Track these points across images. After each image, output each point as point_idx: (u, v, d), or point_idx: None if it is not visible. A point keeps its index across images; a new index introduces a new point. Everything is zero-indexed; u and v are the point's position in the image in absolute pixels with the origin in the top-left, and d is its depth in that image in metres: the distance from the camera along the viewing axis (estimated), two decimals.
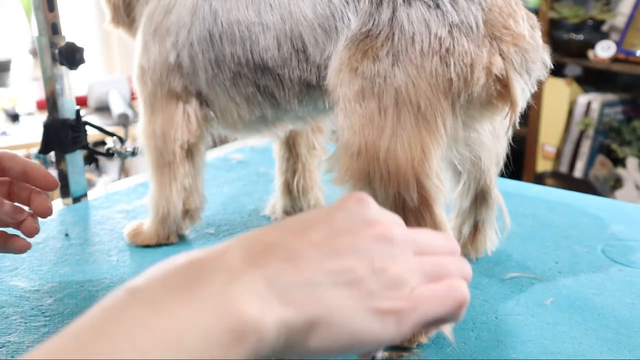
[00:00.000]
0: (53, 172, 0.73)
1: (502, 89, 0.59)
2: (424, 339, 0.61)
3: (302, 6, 0.64)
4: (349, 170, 0.59)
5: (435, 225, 0.58)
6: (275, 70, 0.68)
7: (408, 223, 0.58)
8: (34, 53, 2.62)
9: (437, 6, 0.57)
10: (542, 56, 0.62)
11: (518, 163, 2.60)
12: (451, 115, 0.58)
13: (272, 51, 0.67)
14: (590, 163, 2.42)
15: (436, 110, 0.57)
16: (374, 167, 0.58)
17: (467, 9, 0.57)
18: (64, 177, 0.99)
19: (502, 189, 0.78)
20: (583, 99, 2.40)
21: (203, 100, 0.78)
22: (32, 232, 0.62)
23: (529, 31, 0.59)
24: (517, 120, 0.62)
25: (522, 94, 0.60)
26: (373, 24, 0.59)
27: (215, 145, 1.26)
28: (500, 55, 0.57)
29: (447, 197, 0.61)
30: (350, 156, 0.59)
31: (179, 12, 0.73)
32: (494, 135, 0.69)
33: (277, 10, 0.66)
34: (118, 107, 2.13)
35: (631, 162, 2.27)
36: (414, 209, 0.58)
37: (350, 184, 0.60)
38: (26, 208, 0.63)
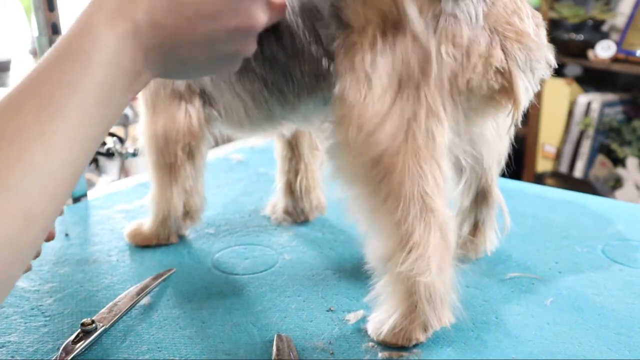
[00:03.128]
0: None
1: (504, 83, 0.59)
2: (423, 339, 0.61)
3: None
4: (350, 150, 0.59)
5: (439, 221, 0.58)
6: (286, 63, 0.68)
7: (411, 218, 0.58)
8: (34, 53, 2.62)
9: None
10: (547, 55, 0.61)
11: (518, 163, 2.60)
12: (450, 102, 0.58)
13: (283, 42, 0.66)
14: (590, 163, 2.42)
15: (434, 93, 0.57)
16: (375, 153, 0.57)
17: (468, 1, 0.57)
18: None
19: (502, 189, 0.78)
20: (583, 99, 2.40)
21: (207, 99, 0.78)
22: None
23: (534, 29, 0.59)
24: (520, 119, 0.62)
25: (525, 92, 0.60)
26: None
27: (215, 145, 1.26)
28: (503, 51, 0.57)
29: (449, 196, 0.61)
30: (349, 133, 0.58)
31: None
32: (497, 134, 0.69)
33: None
34: None
35: (631, 162, 2.27)
36: (413, 201, 0.57)
37: (347, 172, 0.60)
38: None
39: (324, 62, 0.64)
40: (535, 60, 0.60)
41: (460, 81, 0.57)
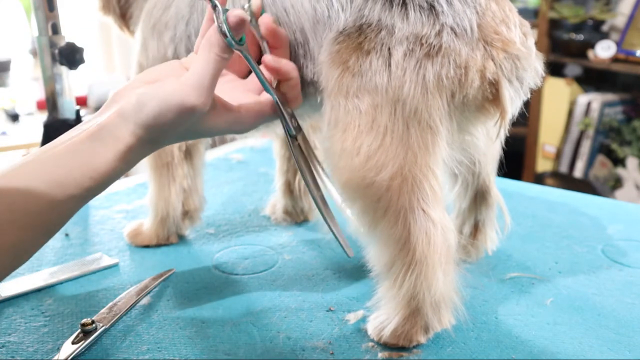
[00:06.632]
0: None
1: (496, 93, 0.58)
2: (423, 340, 0.61)
3: (303, 0, 0.64)
4: (346, 171, 0.59)
5: (439, 229, 0.58)
6: None
7: (406, 226, 0.58)
8: (34, 53, 2.62)
9: (432, 7, 0.56)
10: (534, 64, 0.61)
11: (518, 163, 2.60)
12: (446, 116, 0.58)
13: None
14: (590, 163, 2.42)
15: (431, 110, 0.56)
16: (371, 168, 0.57)
17: (462, 12, 0.56)
18: None
19: (502, 189, 0.78)
20: (583, 99, 2.40)
21: None
22: None
23: (521, 38, 0.59)
24: (507, 127, 0.62)
25: (511, 101, 0.59)
26: (365, 21, 0.58)
27: (215, 145, 1.26)
28: (492, 59, 0.57)
29: (446, 199, 0.60)
30: (345, 156, 0.58)
31: (178, 6, 0.73)
32: (488, 138, 0.68)
33: (280, 3, 0.65)
34: None
35: (631, 162, 2.27)
36: (413, 212, 0.57)
37: (347, 190, 0.60)
38: None
39: (311, 69, 0.64)
40: (522, 69, 0.59)
41: (458, 98, 0.57)
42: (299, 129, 0.61)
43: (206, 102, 0.55)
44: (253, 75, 0.63)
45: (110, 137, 0.54)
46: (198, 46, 0.61)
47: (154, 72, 0.59)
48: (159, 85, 0.55)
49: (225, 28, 0.55)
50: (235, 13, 0.55)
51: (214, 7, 0.56)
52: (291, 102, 0.61)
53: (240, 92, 0.61)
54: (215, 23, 0.56)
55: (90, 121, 0.56)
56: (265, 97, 0.61)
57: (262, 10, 0.61)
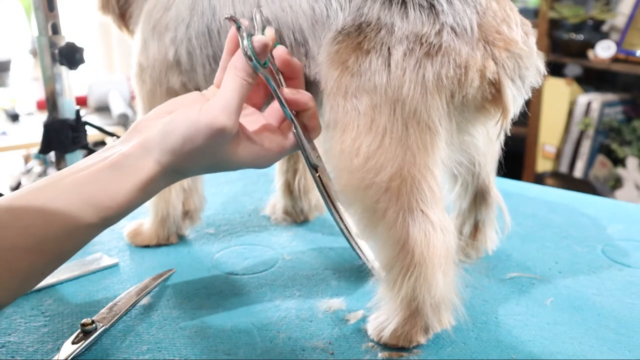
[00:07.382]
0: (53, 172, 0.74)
1: (496, 93, 0.58)
2: (423, 341, 0.61)
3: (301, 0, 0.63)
4: (345, 173, 0.59)
5: (438, 230, 0.58)
6: None
7: (405, 228, 0.58)
8: (34, 53, 2.63)
9: (432, 6, 0.56)
10: (536, 63, 0.61)
11: (518, 163, 2.60)
12: (446, 116, 0.57)
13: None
14: (590, 163, 2.42)
15: (430, 110, 0.56)
16: (370, 169, 0.57)
17: (462, 12, 0.56)
18: None
19: (502, 189, 0.78)
20: (583, 99, 2.40)
21: None
22: None
23: (522, 37, 0.59)
24: (509, 127, 0.62)
25: (513, 100, 0.59)
26: (364, 20, 0.58)
27: None
28: (493, 60, 0.57)
29: (445, 199, 0.60)
30: (344, 157, 0.58)
31: (178, 8, 0.73)
32: (488, 138, 0.68)
33: (278, 3, 0.64)
34: (118, 107, 2.14)
35: (631, 162, 2.27)
36: (412, 214, 0.57)
37: (347, 191, 0.60)
38: None
39: (313, 68, 0.64)
40: (524, 67, 0.59)
41: (457, 98, 0.57)
42: (319, 159, 0.62)
43: (235, 124, 0.55)
44: (271, 107, 0.64)
45: (131, 168, 0.54)
46: (219, 79, 0.61)
47: (176, 102, 0.59)
48: (185, 112, 0.55)
49: (250, 52, 0.56)
50: (259, 38, 0.56)
51: (239, 28, 0.57)
52: (311, 132, 0.61)
53: (261, 125, 0.61)
54: (241, 47, 0.57)
55: (111, 148, 0.56)
56: (287, 130, 0.61)
57: (275, 42, 0.61)
